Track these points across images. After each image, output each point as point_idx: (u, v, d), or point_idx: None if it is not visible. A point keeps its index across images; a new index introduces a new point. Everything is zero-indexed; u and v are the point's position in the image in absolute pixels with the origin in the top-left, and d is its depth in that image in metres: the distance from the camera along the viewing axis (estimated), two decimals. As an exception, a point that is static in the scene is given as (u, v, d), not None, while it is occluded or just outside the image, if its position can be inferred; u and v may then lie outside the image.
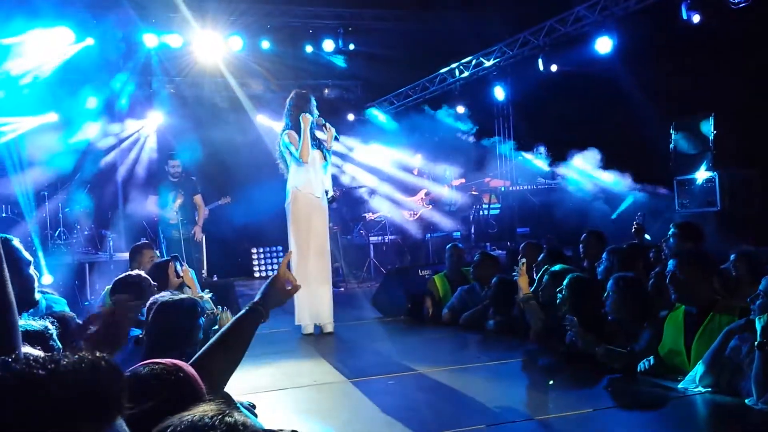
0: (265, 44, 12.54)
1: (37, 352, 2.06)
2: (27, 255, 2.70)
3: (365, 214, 12.81)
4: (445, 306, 7.37)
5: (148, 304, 3.66)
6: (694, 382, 3.97)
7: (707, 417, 3.90)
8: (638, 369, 4.41)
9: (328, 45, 12.76)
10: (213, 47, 11.66)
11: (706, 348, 3.99)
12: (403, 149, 13.46)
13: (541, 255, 6.76)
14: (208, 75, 12.69)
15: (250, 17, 11.63)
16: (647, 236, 7.37)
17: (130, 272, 4.44)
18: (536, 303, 5.61)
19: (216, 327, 3.95)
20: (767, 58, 8.37)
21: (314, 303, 6.80)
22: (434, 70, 13.28)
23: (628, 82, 9.72)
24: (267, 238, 13.95)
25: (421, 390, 4.64)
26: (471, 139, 13.69)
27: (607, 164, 10.88)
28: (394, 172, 13.31)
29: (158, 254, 6.60)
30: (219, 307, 4.38)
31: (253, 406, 3.63)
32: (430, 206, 12.55)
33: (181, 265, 5.03)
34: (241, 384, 4.31)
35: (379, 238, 12.59)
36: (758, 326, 3.54)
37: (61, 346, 2.40)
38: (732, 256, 5.13)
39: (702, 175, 8.94)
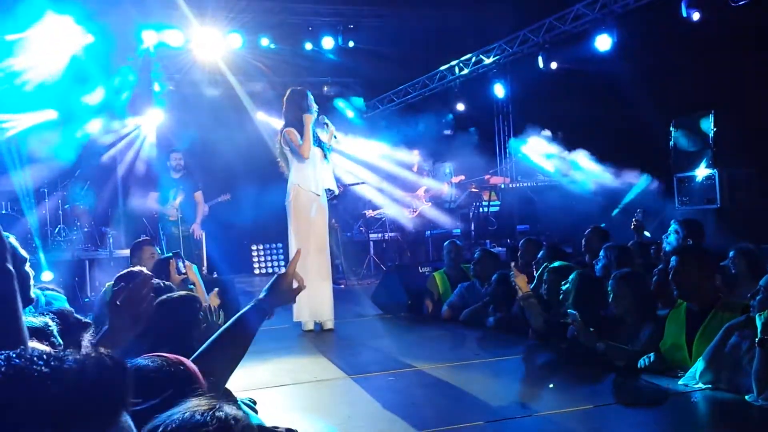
0: (265, 41, 12.52)
1: (44, 347, 2.07)
2: (23, 252, 2.70)
3: (365, 211, 12.81)
4: (445, 303, 7.38)
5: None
6: (694, 378, 3.98)
7: (707, 413, 3.92)
8: (639, 365, 4.42)
9: (328, 42, 12.74)
10: (212, 44, 11.65)
11: (708, 345, 4.00)
12: (403, 146, 13.47)
13: (541, 252, 6.78)
14: (208, 72, 12.68)
15: (250, 14, 11.60)
16: (647, 233, 7.39)
17: (131, 268, 4.44)
18: (536, 301, 5.61)
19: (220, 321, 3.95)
20: (767, 56, 8.37)
21: (314, 300, 6.80)
22: (434, 67, 13.27)
23: (628, 80, 9.71)
24: (267, 235, 13.96)
25: (421, 387, 4.65)
26: (471, 136, 13.68)
27: (607, 161, 10.88)
28: (394, 169, 13.31)
29: (158, 251, 6.60)
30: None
31: (254, 402, 3.64)
32: (430, 203, 12.55)
33: (184, 262, 5.02)
34: (242, 380, 4.31)
35: (379, 235, 12.59)
36: (758, 323, 3.55)
37: (62, 342, 2.40)
38: (731, 253, 5.15)
39: (702, 172, 8.95)
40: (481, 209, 12.28)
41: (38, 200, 10.19)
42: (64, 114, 11.12)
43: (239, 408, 1.34)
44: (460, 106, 13.42)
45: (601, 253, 6.18)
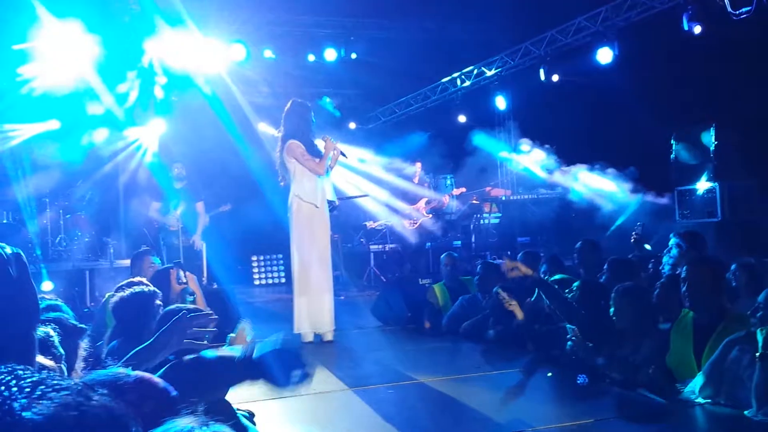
0: (268, 53, 12.57)
1: (49, 363, 2.08)
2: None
3: (366, 223, 12.82)
4: (446, 315, 7.37)
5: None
6: (694, 393, 3.97)
7: (707, 428, 3.90)
8: (639, 379, 4.40)
9: (330, 54, 12.78)
10: (215, 55, 11.69)
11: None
12: (404, 158, 13.48)
13: (543, 265, 6.77)
14: (210, 82, 12.71)
15: (253, 26, 11.66)
16: (647, 246, 7.38)
17: (131, 279, 4.44)
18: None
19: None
20: (767, 69, 8.40)
21: (314, 311, 6.79)
22: (436, 79, 13.31)
23: (629, 93, 9.75)
24: (267, 245, 13.94)
25: (421, 400, 4.64)
26: (472, 148, 13.70)
27: (608, 174, 10.89)
28: (395, 180, 13.31)
29: (158, 262, 6.59)
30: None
31: (253, 415, 3.63)
32: (431, 215, 12.56)
33: (185, 272, 5.03)
34: (240, 392, 4.29)
35: (380, 246, 12.59)
36: (759, 338, 3.54)
37: (63, 352, 2.40)
38: (733, 267, 5.14)
39: (703, 185, 8.96)
40: (481, 221, 12.28)
41: (40, 210, 10.19)
42: (67, 124, 11.15)
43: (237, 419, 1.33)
44: (462, 118, 13.45)
45: (605, 266, 6.17)
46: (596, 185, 11.13)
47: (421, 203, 12.78)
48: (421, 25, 12.29)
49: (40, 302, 2.32)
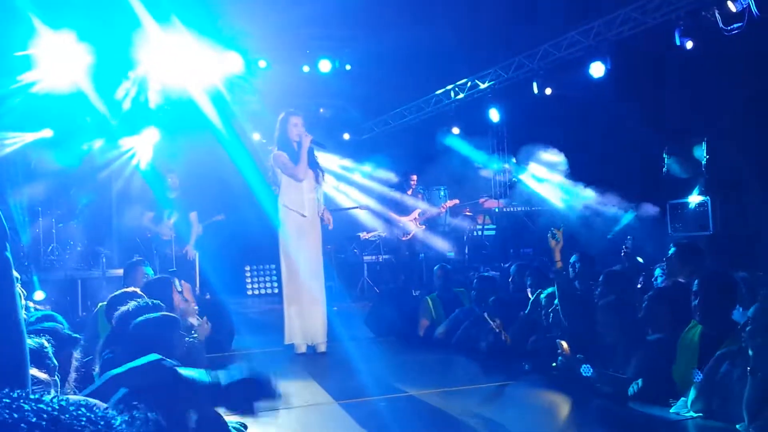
0: (262, 63, 12.61)
1: (43, 376, 2.08)
2: (14, 272, 2.70)
3: (359, 233, 12.82)
4: (439, 326, 7.36)
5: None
6: (685, 406, 3.98)
7: (699, 442, 3.91)
8: (628, 393, 4.41)
9: (325, 65, 12.82)
10: (210, 65, 11.71)
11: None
12: (397, 169, 13.50)
13: (527, 277, 6.77)
14: (205, 92, 12.72)
15: (247, 37, 11.69)
16: (640, 259, 7.40)
17: (125, 289, 4.44)
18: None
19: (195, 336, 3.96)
20: (760, 84, 8.45)
21: (307, 322, 6.78)
22: (430, 91, 13.36)
23: (622, 107, 9.80)
24: (260, 255, 13.92)
25: (414, 412, 4.63)
26: (465, 160, 13.74)
27: (600, 186, 10.93)
28: (388, 191, 13.31)
29: (152, 272, 6.59)
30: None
31: (245, 427, 3.62)
32: (424, 226, 12.56)
33: (181, 282, 5.03)
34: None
35: (373, 257, 12.59)
36: (750, 352, 3.56)
37: (57, 363, 2.40)
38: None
39: (695, 199, 9.00)
40: (475, 233, 12.30)
41: (32, 219, 10.16)
42: (61, 133, 11.13)
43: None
44: (456, 130, 13.49)
45: (600, 278, 6.18)
46: (588, 197, 11.16)
47: (415, 214, 12.78)
48: (415, 38, 12.33)
49: (30, 314, 2.32)
